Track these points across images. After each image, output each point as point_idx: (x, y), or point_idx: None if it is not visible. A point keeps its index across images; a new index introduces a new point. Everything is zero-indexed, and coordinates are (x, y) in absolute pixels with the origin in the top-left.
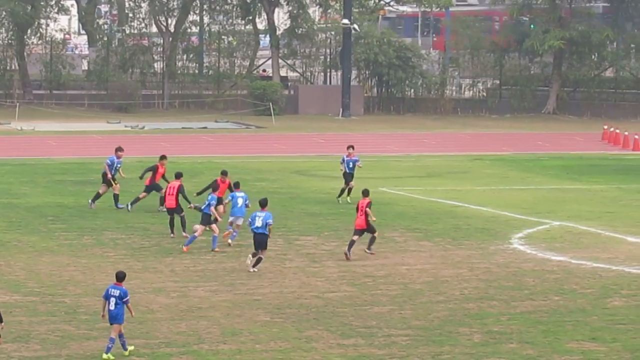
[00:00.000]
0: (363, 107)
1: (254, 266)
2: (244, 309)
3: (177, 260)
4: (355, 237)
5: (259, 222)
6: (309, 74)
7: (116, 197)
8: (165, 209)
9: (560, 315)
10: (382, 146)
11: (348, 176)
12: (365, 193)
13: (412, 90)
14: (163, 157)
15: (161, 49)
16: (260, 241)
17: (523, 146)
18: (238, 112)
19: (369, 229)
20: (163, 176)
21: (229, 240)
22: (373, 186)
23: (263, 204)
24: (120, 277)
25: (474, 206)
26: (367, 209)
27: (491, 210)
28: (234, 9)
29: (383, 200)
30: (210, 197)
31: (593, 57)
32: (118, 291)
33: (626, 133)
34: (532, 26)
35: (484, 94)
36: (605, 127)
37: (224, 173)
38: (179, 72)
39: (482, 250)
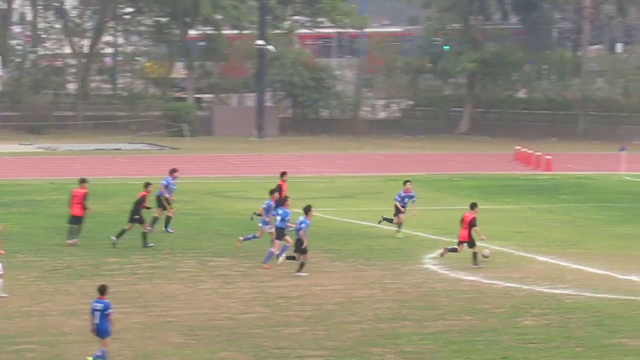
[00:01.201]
0: (278, 128)
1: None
2: (156, 331)
3: (89, 282)
4: (460, 248)
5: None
6: (224, 95)
7: (168, 220)
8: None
9: (472, 335)
10: (296, 167)
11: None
12: (472, 206)
13: (327, 111)
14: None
15: (75, 70)
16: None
17: (436, 167)
18: (152, 133)
19: (470, 243)
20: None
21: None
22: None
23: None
24: (102, 290)
25: (386, 227)
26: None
27: (404, 230)
28: (148, 30)
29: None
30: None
31: (506, 78)
32: (101, 304)
33: (538, 153)
34: (445, 47)
35: (398, 114)
36: (518, 147)
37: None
38: (92, 93)
39: (395, 270)
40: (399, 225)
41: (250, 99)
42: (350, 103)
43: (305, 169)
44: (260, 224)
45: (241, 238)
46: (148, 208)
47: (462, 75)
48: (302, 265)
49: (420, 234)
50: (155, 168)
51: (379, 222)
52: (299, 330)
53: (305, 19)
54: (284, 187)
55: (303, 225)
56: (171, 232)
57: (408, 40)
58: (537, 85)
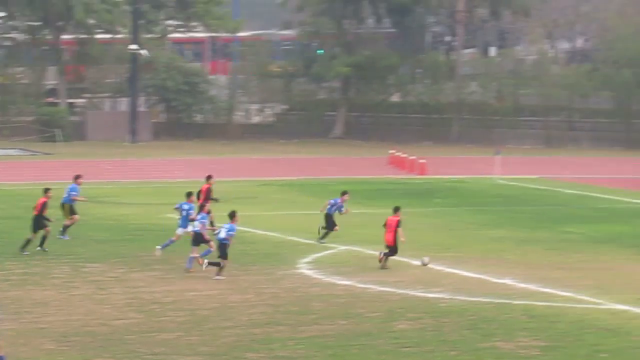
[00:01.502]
0: (152, 133)
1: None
2: (29, 338)
3: None
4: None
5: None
6: (97, 99)
7: (65, 228)
8: None
9: (347, 339)
10: (169, 172)
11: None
12: (396, 210)
13: (201, 115)
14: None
15: None
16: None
17: (311, 171)
18: (25, 138)
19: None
20: None
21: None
22: (160, 212)
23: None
24: None
25: (261, 231)
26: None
27: (279, 235)
28: (21, 35)
29: (169, 226)
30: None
31: (380, 82)
32: None
33: (412, 157)
34: (319, 52)
35: (273, 119)
36: (392, 151)
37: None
38: None
39: (270, 275)
40: (325, 235)
41: (123, 104)
42: (224, 107)
43: (179, 173)
44: (178, 230)
45: (159, 247)
46: (46, 219)
47: (336, 79)
48: (220, 267)
49: (295, 238)
50: (27, 174)
51: (319, 232)
52: (173, 335)
53: (179, 23)
54: (206, 190)
55: (232, 232)
56: (66, 239)
57: (282, 45)
58: (411, 89)
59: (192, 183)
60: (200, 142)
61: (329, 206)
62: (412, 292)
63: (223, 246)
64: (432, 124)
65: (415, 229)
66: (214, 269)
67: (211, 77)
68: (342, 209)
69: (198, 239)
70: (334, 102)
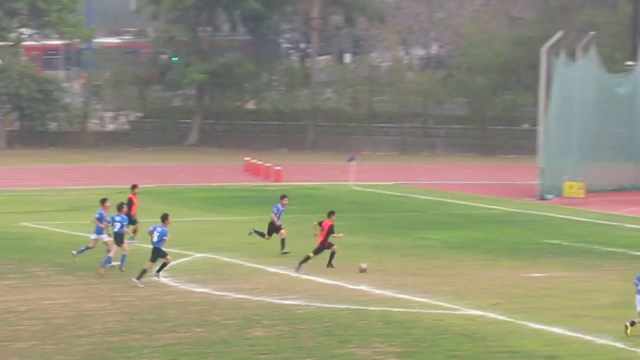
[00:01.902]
0: (5, 142)
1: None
2: None
3: None
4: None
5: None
6: None
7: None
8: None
9: (203, 347)
10: (24, 180)
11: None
12: (330, 214)
13: (55, 123)
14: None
15: None
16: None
17: (166, 178)
18: None
19: (327, 245)
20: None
21: None
22: (14, 221)
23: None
24: None
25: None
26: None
27: (136, 242)
28: None
29: (24, 235)
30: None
31: (235, 89)
32: None
33: (267, 164)
34: (174, 59)
35: (127, 126)
36: (247, 158)
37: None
38: None
39: (125, 283)
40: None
41: None
42: (79, 115)
43: (33, 182)
44: (93, 235)
45: (74, 252)
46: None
47: (190, 86)
48: (144, 272)
49: (150, 246)
50: None
51: (250, 234)
52: (27, 345)
53: (32, 31)
54: (135, 200)
55: (165, 237)
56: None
57: (137, 52)
58: (266, 96)
59: (47, 191)
60: (55, 150)
61: (277, 214)
62: (268, 299)
63: (157, 250)
64: (288, 131)
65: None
66: (161, 271)
67: (65, 84)
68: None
69: (119, 239)
70: (189, 110)
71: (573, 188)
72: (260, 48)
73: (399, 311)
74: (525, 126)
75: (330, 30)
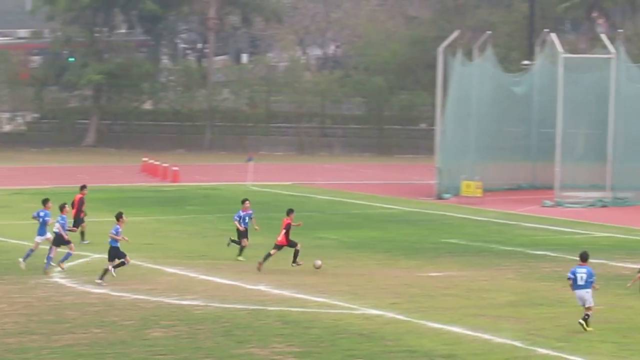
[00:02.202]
0: None
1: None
2: None
3: None
4: (273, 251)
5: None
6: None
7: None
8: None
9: (101, 348)
10: None
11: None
12: (289, 212)
13: None
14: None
15: None
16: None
17: (63, 179)
18: None
19: (290, 244)
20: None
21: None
22: None
23: None
24: None
25: (14, 240)
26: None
27: (31, 244)
28: None
29: None
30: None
31: (133, 89)
32: None
33: (165, 165)
34: (71, 59)
35: (24, 127)
36: (145, 159)
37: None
38: None
39: (23, 284)
40: (242, 249)
41: None
42: None
43: None
44: (37, 238)
45: (21, 259)
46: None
47: (87, 87)
48: (106, 271)
49: (45, 247)
50: None
51: (228, 245)
52: None
53: None
54: (82, 201)
55: (113, 233)
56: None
57: (33, 53)
58: (163, 96)
59: None
60: None
61: (239, 221)
62: (166, 300)
63: (114, 249)
64: (185, 132)
65: (168, 236)
66: (116, 269)
67: None
68: (247, 217)
69: (58, 240)
70: (86, 110)
71: (470, 187)
72: (158, 48)
73: (297, 311)
74: (423, 126)
75: (227, 30)
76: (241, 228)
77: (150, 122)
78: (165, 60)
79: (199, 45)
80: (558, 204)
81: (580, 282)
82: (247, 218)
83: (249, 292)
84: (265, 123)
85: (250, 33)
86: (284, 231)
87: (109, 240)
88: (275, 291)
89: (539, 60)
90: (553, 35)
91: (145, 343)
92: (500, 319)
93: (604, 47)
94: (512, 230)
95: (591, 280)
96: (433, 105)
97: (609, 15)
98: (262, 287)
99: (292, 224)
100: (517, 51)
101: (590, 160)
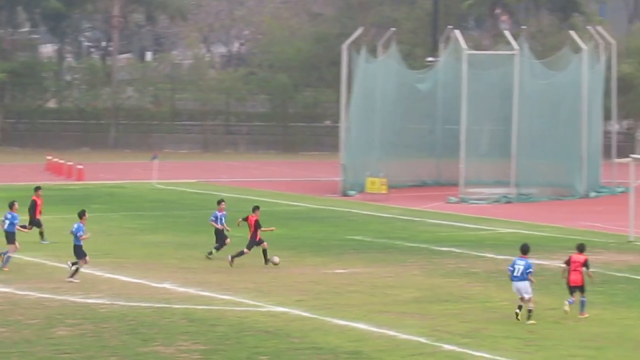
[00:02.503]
0: None
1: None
2: None
3: None
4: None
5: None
6: None
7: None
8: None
9: (6, 347)
10: None
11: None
12: (254, 209)
13: None
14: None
15: None
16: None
17: None
18: None
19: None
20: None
21: None
22: None
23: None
24: None
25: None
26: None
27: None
28: None
29: None
30: None
31: (37, 88)
32: None
33: (69, 163)
34: None
35: None
36: (49, 157)
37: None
38: None
39: None
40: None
41: None
42: None
43: None
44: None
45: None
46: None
47: None
48: (76, 270)
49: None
50: None
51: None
52: None
53: None
54: (39, 202)
55: (80, 232)
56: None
57: None
58: (67, 94)
59: None
60: None
61: (215, 221)
62: (71, 298)
63: (78, 248)
64: (90, 130)
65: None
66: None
67: None
68: (223, 218)
69: (9, 237)
70: None
71: (375, 184)
72: (62, 46)
73: (202, 309)
74: (327, 123)
75: (131, 28)
76: (220, 227)
77: (55, 121)
78: (69, 59)
79: (103, 44)
80: (463, 201)
81: (516, 274)
82: (222, 218)
83: (154, 290)
84: (170, 121)
85: (154, 31)
86: (253, 229)
87: (74, 239)
88: (180, 289)
89: (443, 57)
90: (457, 32)
91: (51, 342)
92: (405, 315)
93: (508, 43)
94: (416, 226)
95: (528, 271)
96: (337, 102)
97: (512, 12)
98: (167, 285)
99: (264, 229)
100: (421, 48)
101: (494, 156)
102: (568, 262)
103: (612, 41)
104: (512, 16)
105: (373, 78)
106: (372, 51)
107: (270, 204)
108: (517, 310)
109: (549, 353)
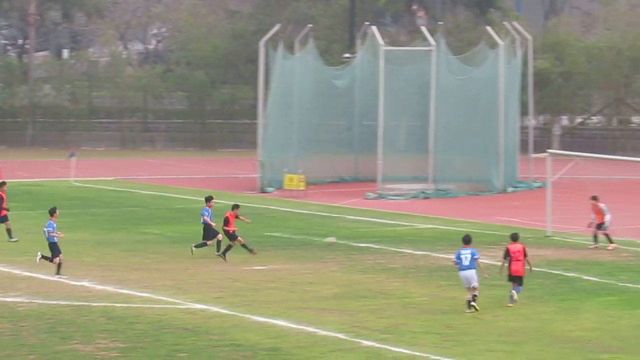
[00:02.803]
0: None
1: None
2: None
3: None
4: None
5: None
6: None
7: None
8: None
9: None
10: None
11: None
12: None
13: None
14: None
15: None
16: None
17: None
18: None
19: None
20: None
21: None
22: None
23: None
24: None
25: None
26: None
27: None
28: None
29: None
30: None
31: None
32: None
33: None
34: None
35: None
36: None
37: None
38: None
39: None
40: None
41: None
42: None
43: None
44: None
45: None
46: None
47: None
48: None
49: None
50: None
51: (192, 248)
52: None
53: None
54: (4, 197)
55: (50, 229)
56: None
57: None
58: None
59: None
60: None
61: (207, 218)
62: None
63: (53, 245)
64: (6, 128)
65: None
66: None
67: None
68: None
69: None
70: None
71: (293, 181)
72: None
73: (121, 306)
74: (245, 120)
75: (47, 26)
76: (213, 224)
77: None
78: None
79: (20, 41)
80: (381, 196)
81: (465, 263)
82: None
83: (73, 288)
84: (87, 119)
85: (71, 28)
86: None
87: (47, 236)
88: (99, 287)
89: (360, 53)
90: (374, 28)
91: None
92: (324, 311)
93: (425, 39)
94: (335, 222)
95: (476, 257)
96: (255, 99)
97: (428, 8)
98: (85, 283)
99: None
100: (338, 44)
101: (412, 152)
102: (507, 254)
103: (529, 36)
104: (429, 12)
105: (290, 75)
106: (290, 48)
107: (189, 202)
108: (473, 303)
109: (467, 348)
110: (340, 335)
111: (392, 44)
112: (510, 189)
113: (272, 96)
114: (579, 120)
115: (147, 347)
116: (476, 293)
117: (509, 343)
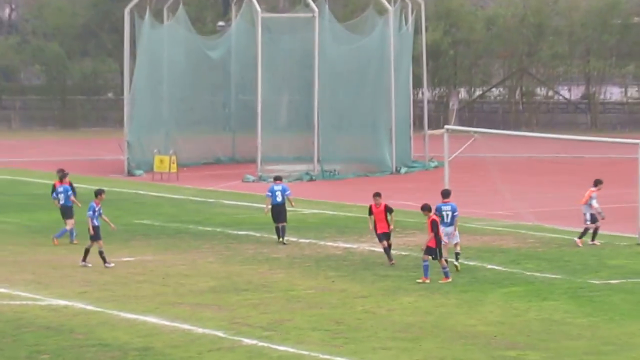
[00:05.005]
0: None
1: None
2: None
3: None
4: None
5: None
6: None
7: None
8: None
9: None
10: None
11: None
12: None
13: None
14: None
15: None
16: None
17: None
18: None
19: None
20: None
21: None
22: None
23: None
24: None
25: None
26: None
27: None
28: None
29: None
30: None
31: None
32: None
33: None
34: None
35: None
36: None
37: None
38: None
39: None
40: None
41: None
42: None
43: None
44: None
45: None
46: None
47: None
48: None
49: None
50: None
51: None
52: None
53: None
54: None
55: (90, 212)
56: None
57: None
58: None
59: None
60: None
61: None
62: None
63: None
64: None
65: None
66: None
67: None
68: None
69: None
70: None
71: (164, 162)
72: None
73: None
74: (110, 95)
75: None
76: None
77: None
78: None
79: None
80: (261, 179)
81: (447, 220)
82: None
83: None
84: None
85: None
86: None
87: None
88: None
89: (236, 22)
90: None
91: None
92: (201, 307)
93: (307, 5)
94: (211, 208)
95: (455, 214)
96: (121, 72)
97: None
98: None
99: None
100: (211, 11)
101: (294, 130)
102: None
103: (420, 0)
104: None
105: (159, 45)
106: (158, 16)
107: (49, 187)
108: (456, 263)
109: (360, 346)
110: (219, 333)
111: (271, 10)
112: (403, 170)
113: (139, 69)
114: (478, 93)
115: (5, 349)
116: (458, 250)
117: (405, 340)
